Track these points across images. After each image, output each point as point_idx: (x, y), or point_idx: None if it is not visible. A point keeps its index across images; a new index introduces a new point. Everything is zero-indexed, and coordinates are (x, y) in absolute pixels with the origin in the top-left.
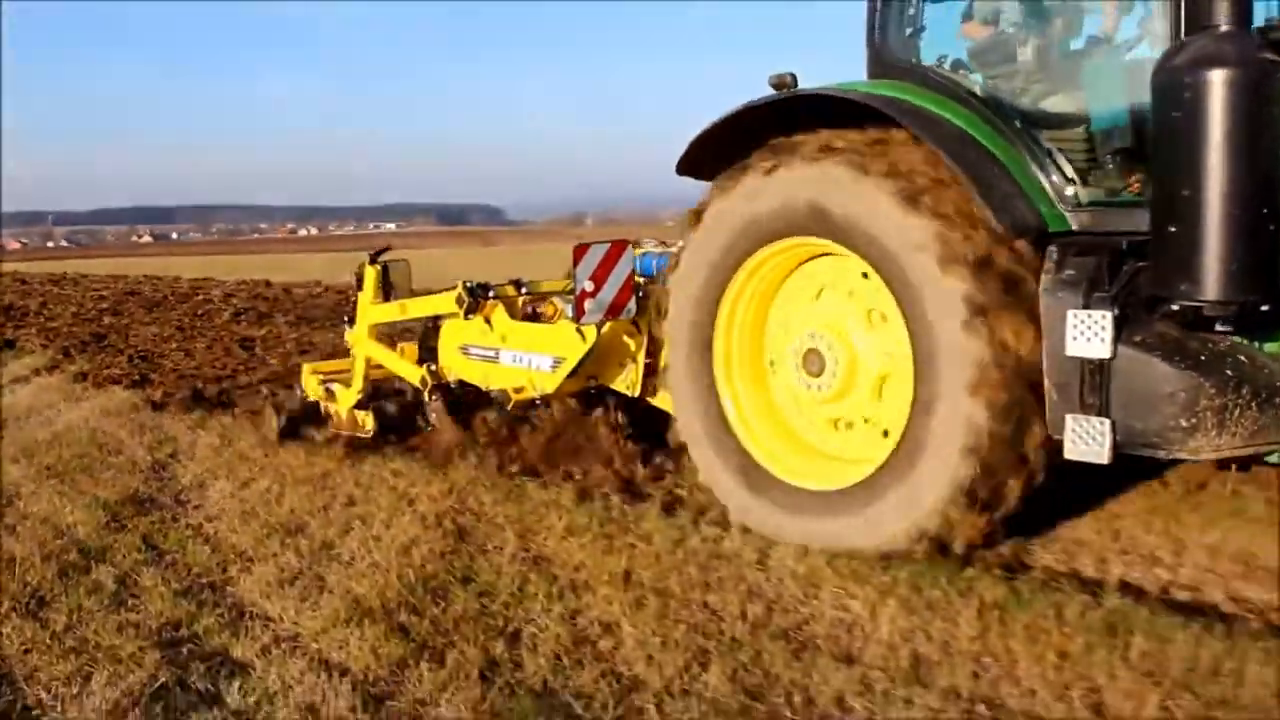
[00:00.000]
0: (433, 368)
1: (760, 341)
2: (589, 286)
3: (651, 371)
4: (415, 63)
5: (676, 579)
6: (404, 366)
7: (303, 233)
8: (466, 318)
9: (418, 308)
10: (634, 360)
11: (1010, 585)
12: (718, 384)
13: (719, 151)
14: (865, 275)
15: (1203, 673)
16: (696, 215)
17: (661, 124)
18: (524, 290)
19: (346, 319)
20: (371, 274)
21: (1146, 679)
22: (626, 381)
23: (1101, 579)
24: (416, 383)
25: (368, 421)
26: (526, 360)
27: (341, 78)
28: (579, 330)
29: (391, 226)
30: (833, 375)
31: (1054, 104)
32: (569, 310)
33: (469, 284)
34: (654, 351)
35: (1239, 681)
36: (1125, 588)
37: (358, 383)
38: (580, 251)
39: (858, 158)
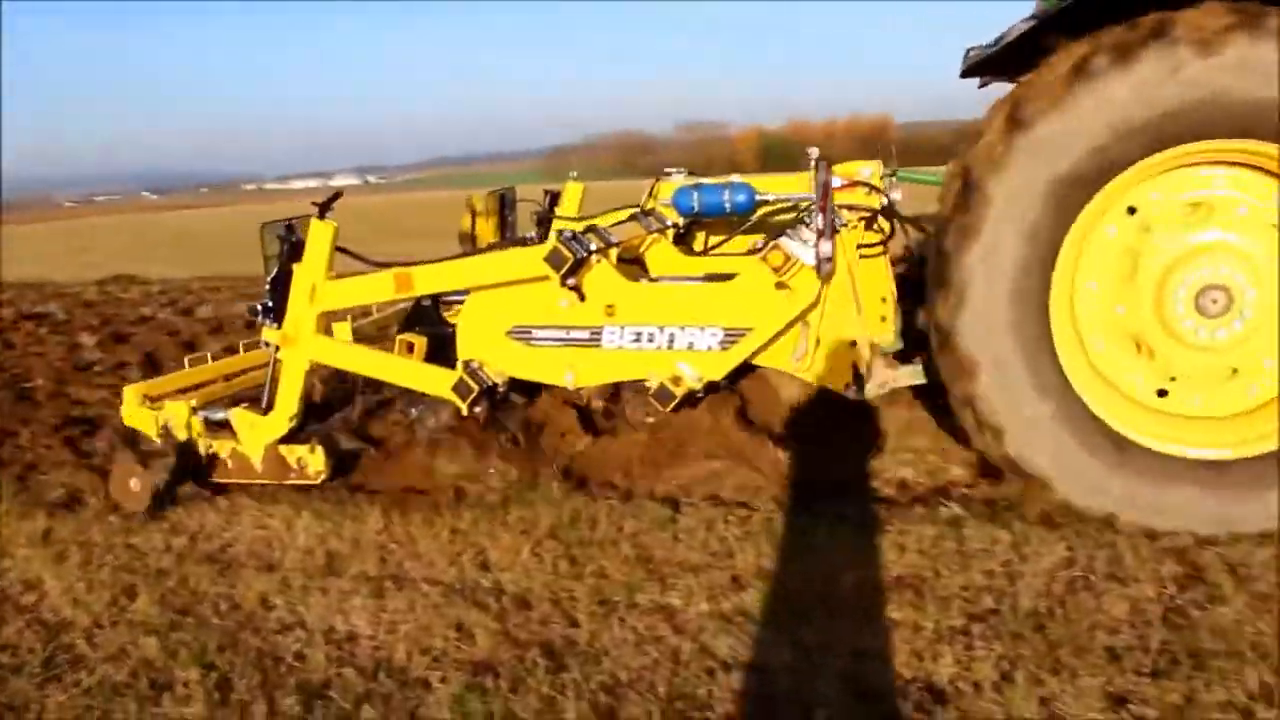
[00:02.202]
0: (475, 366)
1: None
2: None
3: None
4: None
5: (98, 530)
6: (413, 372)
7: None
8: (565, 283)
9: (437, 278)
10: (808, 326)
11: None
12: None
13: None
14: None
15: (565, 526)
16: (1015, 123)
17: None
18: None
19: (261, 309)
20: (323, 235)
21: (522, 536)
22: (797, 355)
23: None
24: (447, 394)
25: (314, 461)
26: (666, 338)
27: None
28: (784, 285)
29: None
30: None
31: None
32: (798, 252)
33: (566, 232)
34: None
35: (593, 528)
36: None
37: (288, 404)
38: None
39: None
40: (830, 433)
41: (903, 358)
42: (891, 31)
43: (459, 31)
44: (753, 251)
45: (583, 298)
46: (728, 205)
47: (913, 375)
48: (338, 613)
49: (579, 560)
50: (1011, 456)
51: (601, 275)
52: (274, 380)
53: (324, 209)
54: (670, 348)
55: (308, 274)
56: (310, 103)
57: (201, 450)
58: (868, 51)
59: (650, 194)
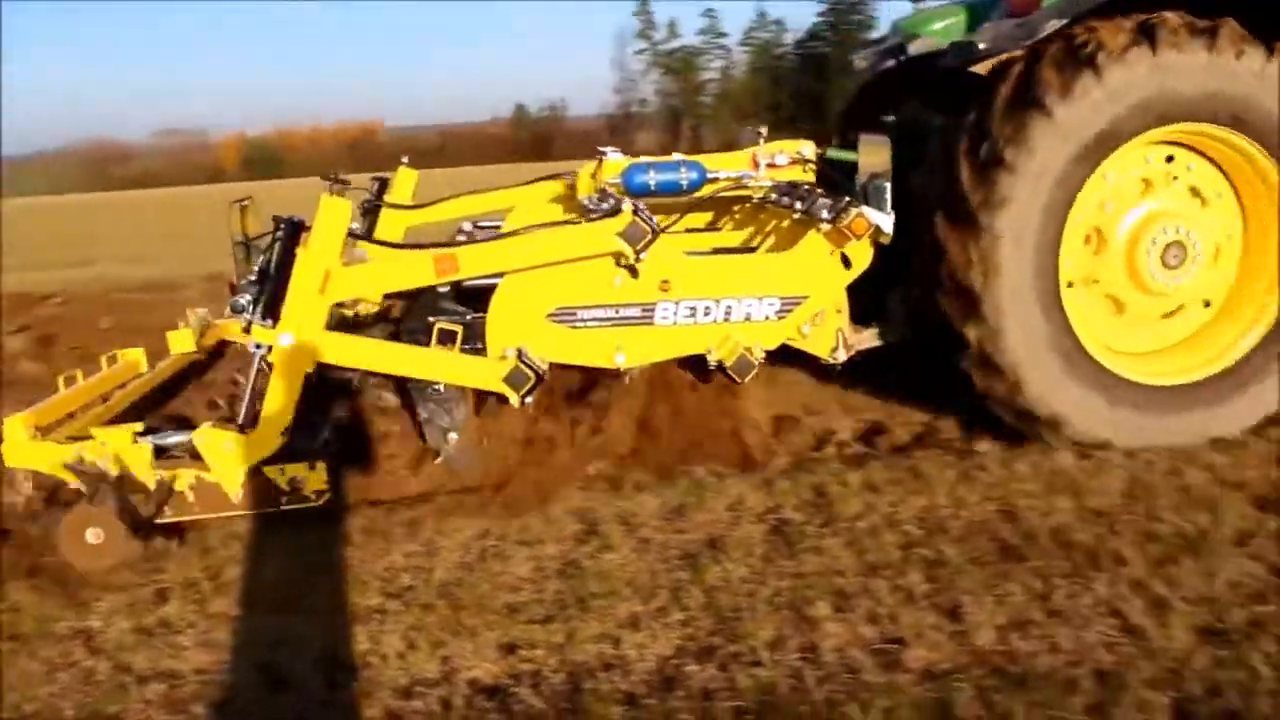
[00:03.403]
0: (525, 355)
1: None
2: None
3: None
4: None
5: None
6: (455, 365)
7: None
8: (639, 258)
9: (486, 258)
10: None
11: None
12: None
13: None
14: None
15: None
16: (1030, 100)
17: None
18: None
19: (249, 303)
20: (336, 214)
21: None
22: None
23: None
24: (497, 386)
25: (313, 479)
26: (721, 311)
27: None
28: (841, 254)
29: None
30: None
31: None
32: (879, 220)
33: (638, 205)
34: None
35: None
36: None
37: (281, 417)
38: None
39: None
40: None
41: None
42: (377, 33)
43: None
44: (830, 217)
45: (636, 274)
46: (684, 183)
47: (873, 338)
48: None
49: None
50: (1031, 401)
51: (659, 250)
52: (256, 390)
53: (336, 183)
54: (727, 320)
55: (318, 259)
56: None
57: (149, 485)
58: (354, 54)
59: (592, 175)
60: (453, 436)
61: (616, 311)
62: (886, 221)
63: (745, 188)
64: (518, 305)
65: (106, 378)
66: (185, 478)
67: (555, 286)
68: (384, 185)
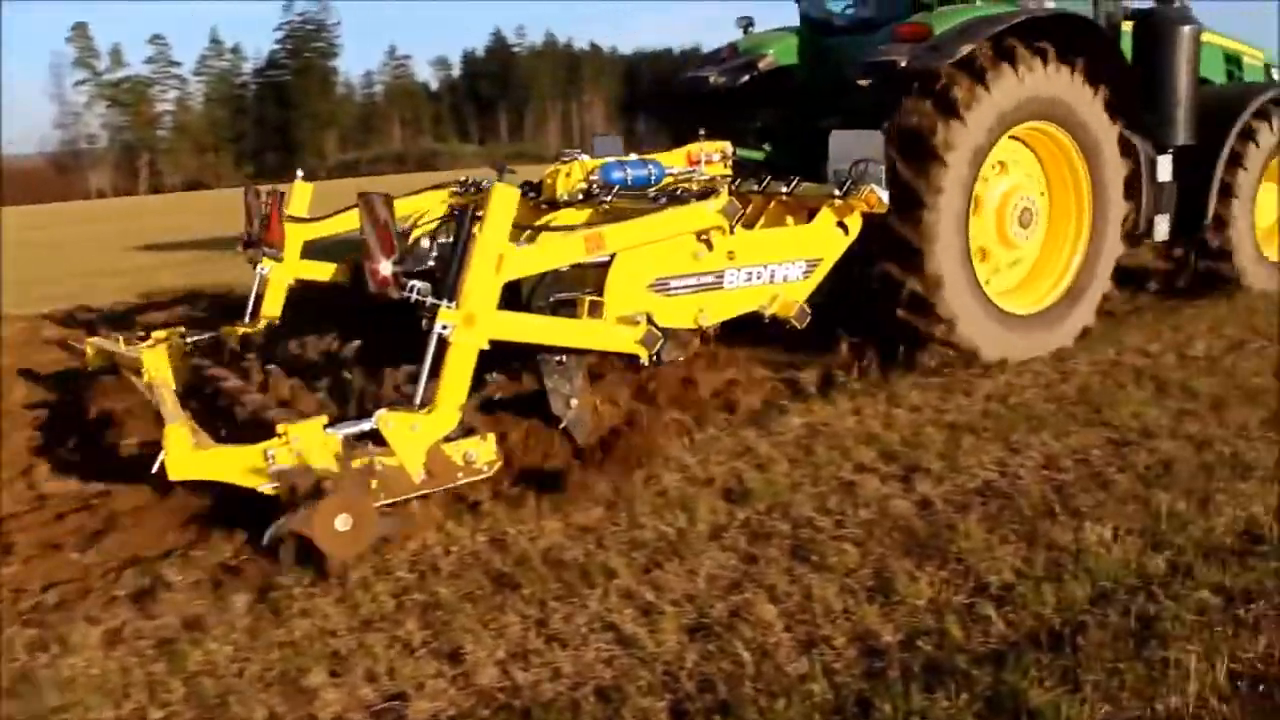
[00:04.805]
0: (654, 324)
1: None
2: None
3: None
4: None
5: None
6: (597, 332)
7: None
8: (732, 231)
9: (625, 236)
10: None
11: None
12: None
13: None
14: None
15: None
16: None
17: None
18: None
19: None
20: (507, 199)
21: None
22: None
23: None
24: (633, 348)
25: (484, 451)
26: (769, 274)
27: None
28: (841, 224)
29: None
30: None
31: None
32: (883, 195)
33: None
34: None
35: None
36: None
37: (458, 394)
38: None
39: None
40: None
41: None
42: None
43: None
44: (841, 193)
45: (711, 247)
46: (650, 178)
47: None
48: None
49: None
50: (958, 336)
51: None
52: (433, 368)
53: (502, 171)
54: (772, 281)
55: (493, 242)
56: None
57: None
58: None
59: (567, 174)
60: (574, 402)
61: (697, 279)
62: (886, 195)
63: (689, 179)
64: (628, 278)
65: None
66: (362, 463)
67: (653, 261)
68: (281, 198)
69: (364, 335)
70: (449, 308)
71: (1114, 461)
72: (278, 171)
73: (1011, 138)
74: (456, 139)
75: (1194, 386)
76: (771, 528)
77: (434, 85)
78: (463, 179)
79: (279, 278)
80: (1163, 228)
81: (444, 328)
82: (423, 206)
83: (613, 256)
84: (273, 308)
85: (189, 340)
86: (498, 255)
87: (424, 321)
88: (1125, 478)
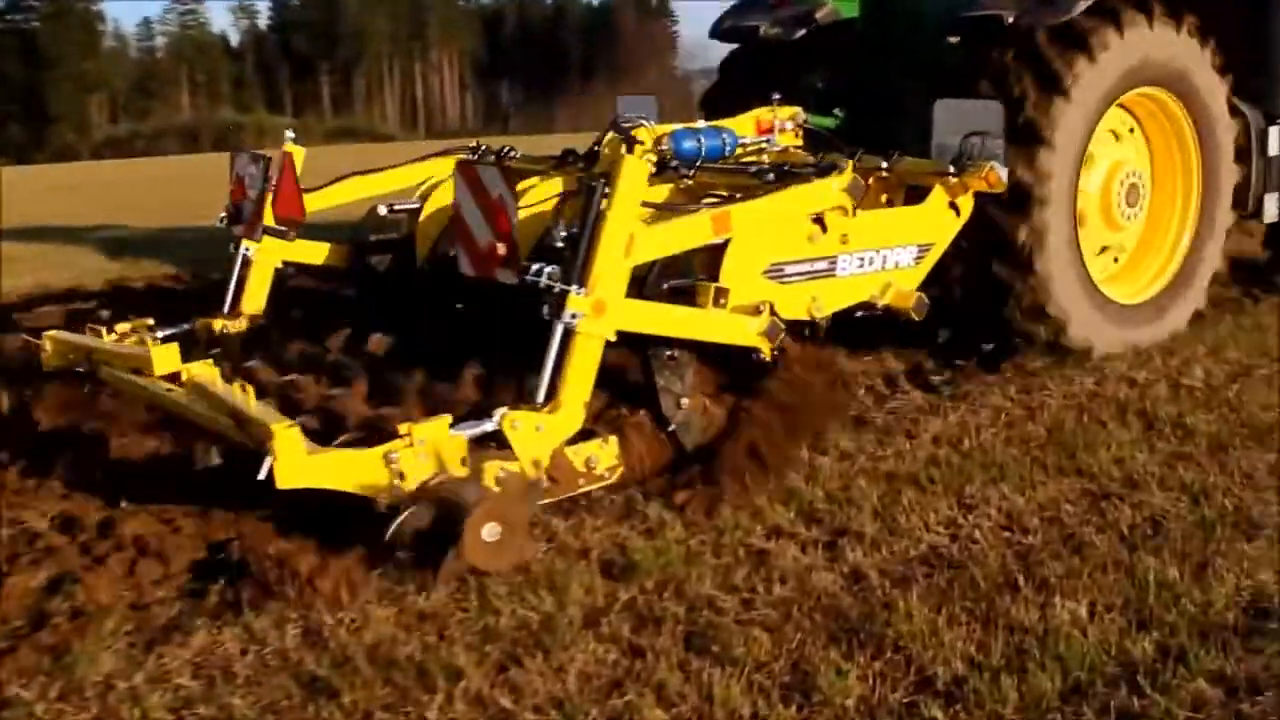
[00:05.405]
0: (776, 315)
1: None
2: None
3: None
4: None
5: None
6: (719, 324)
7: None
8: (856, 212)
9: (750, 215)
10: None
11: None
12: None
13: None
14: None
15: None
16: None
17: None
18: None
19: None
20: (638, 173)
21: None
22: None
23: None
24: (755, 340)
25: (605, 456)
26: (881, 260)
27: None
28: (953, 204)
29: None
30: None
31: None
32: (1004, 175)
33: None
34: None
35: None
36: None
37: (583, 390)
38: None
39: None
40: None
41: None
42: None
43: None
44: (949, 172)
45: (825, 229)
46: (726, 148)
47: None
48: None
49: None
50: (1070, 337)
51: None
52: (558, 362)
53: (631, 143)
54: (883, 268)
55: (624, 221)
56: None
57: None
58: None
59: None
60: (685, 402)
61: (811, 265)
62: (1005, 174)
63: (763, 151)
64: (745, 263)
65: None
66: (492, 470)
67: (768, 245)
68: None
69: (367, 331)
70: (579, 294)
71: (1091, 519)
72: (23, 149)
73: (1118, 106)
74: (265, 109)
75: (1189, 423)
76: (662, 610)
77: (234, 39)
78: (472, 144)
79: (264, 260)
80: (1272, 209)
81: (572, 317)
82: (415, 179)
83: (726, 240)
84: (256, 297)
85: (159, 335)
86: (629, 236)
87: (545, 310)
88: (1104, 540)
